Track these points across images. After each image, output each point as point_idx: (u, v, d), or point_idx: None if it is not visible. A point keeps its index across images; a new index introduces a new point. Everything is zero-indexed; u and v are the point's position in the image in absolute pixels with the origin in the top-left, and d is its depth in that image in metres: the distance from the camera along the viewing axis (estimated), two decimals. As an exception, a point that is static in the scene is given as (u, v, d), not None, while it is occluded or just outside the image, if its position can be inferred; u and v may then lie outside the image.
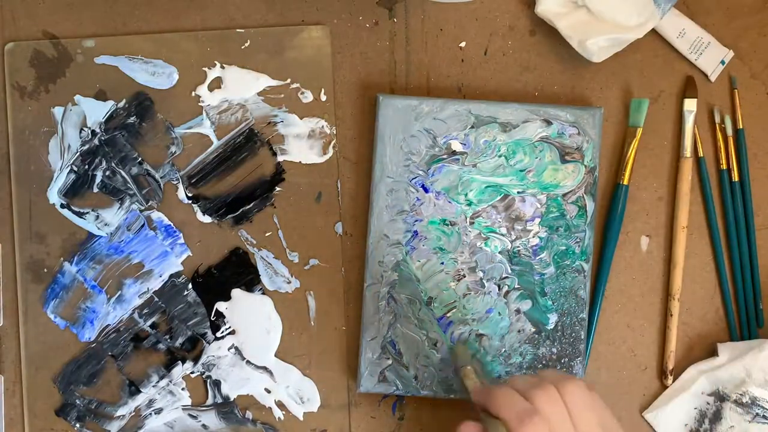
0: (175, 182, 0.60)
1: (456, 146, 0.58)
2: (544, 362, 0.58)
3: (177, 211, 0.60)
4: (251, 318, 0.60)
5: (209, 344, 0.60)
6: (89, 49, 0.60)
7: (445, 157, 0.58)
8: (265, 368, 0.60)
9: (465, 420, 0.47)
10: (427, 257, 0.58)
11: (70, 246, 0.60)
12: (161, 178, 0.60)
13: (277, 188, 0.60)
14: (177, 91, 0.60)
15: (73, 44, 0.60)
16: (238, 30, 0.61)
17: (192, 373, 0.60)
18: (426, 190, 0.59)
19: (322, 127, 0.60)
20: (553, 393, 0.46)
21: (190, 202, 0.60)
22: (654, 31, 0.60)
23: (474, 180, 0.58)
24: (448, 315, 0.58)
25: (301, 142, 0.60)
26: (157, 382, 0.60)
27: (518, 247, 0.58)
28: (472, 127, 0.58)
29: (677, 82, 0.61)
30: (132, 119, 0.60)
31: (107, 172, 0.60)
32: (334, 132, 0.61)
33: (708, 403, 0.59)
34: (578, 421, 0.45)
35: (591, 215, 0.58)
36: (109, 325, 0.60)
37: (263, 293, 0.60)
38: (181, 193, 0.60)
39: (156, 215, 0.60)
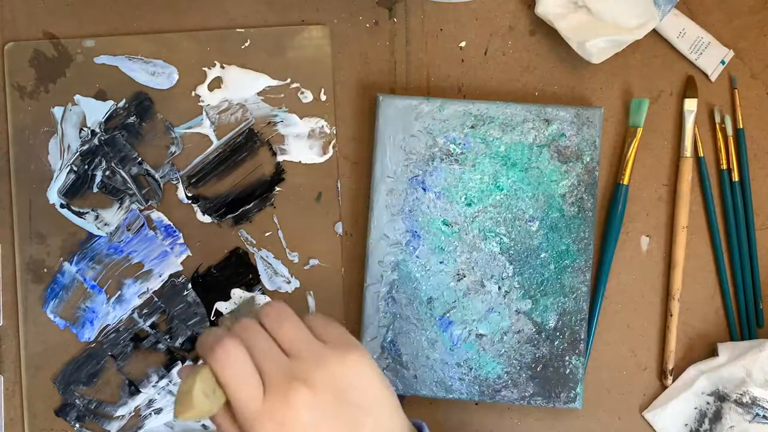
0: (174, 182, 0.60)
1: (456, 146, 0.58)
2: (544, 362, 0.58)
3: (177, 211, 0.60)
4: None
5: (209, 344, 0.60)
6: (89, 49, 0.60)
7: (445, 157, 0.58)
8: (265, 368, 0.60)
9: None
10: (427, 257, 0.58)
11: (70, 246, 0.60)
12: (161, 178, 0.60)
13: (277, 188, 0.60)
14: (177, 91, 0.60)
15: (73, 44, 0.61)
16: (238, 30, 0.61)
17: (192, 373, 0.60)
18: (426, 190, 0.59)
19: (322, 127, 0.61)
20: (249, 321, 0.44)
21: (190, 202, 0.60)
22: (654, 31, 0.60)
23: (474, 180, 0.58)
24: (448, 315, 0.58)
25: (301, 142, 0.60)
26: (157, 382, 0.60)
27: (518, 246, 0.58)
28: (472, 127, 0.58)
29: (677, 82, 0.61)
30: (132, 119, 0.60)
31: (107, 172, 0.60)
32: (334, 132, 0.61)
33: (708, 403, 0.59)
34: (279, 335, 0.43)
35: (591, 215, 0.58)
36: (108, 325, 0.60)
37: (263, 293, 0.60)
38: (181, 193, 0.60)
39: (156, 215, 0.60)
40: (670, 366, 0.60)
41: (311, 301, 0.60)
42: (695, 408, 0.59)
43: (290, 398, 0.41)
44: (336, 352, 0.43)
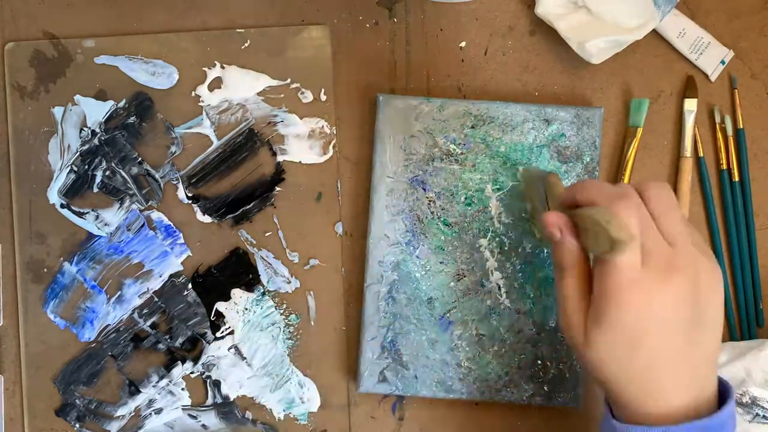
0: (175, 182, 0.60)
1: (456, 146, 0.58)
2: (544, 362, 0.58)
3: (177, 211, 0.60)
4: (251, 318, 0.60)
5: (209, 344, 0.60)
6: (89, 49, 0.60)
7: (445, 157, 0.58)
8: (265, 368, 0.60)
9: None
10: (427, 257, 0.58)
11: (70, 246, 0.60)
12: (161, 178, 0.60)
13: (277, 188, 0.60)
14: (177, 91, 0.60)
15: (73, 44, 0.61)
16: (238, 30, 0.61)
17: (192, 373, 0.60)
18: (426, 190, 0.59)
19: (322, 127, 0.61)
20: (633, 191, 0.45)
21: (190, 202, 0.60)
22: (654, 31, 0.60)
23: (474, 180, 0.58)
24: (448, 315, 0.58)
25: (301, 142, 0.60)
26: (157, 382, 0.60)
27: (518, 246, 0.58)
28: (472, 127, 0.58)
29: (677, 82, 0.61)
30: (132, 119, 0.60)
31: (107, 172, 0.60)
32: (334, 132, 0.61)
33: (708, 403, 0.59)
34: (663, 221, 0.44)
35: (591, 215, 0.58)
36: (109, 325, 0.60)
37: (263, 293, 0.60)
38: (181, 193, 0.60)
39: (156, 215, 0.60)
40: (670, 366, 0.60)
41: (311, 301, 0.60)
42: (695, 408, 0.59)
43: (669, 282, 0.42)
44: (711, 263, 0.44)
